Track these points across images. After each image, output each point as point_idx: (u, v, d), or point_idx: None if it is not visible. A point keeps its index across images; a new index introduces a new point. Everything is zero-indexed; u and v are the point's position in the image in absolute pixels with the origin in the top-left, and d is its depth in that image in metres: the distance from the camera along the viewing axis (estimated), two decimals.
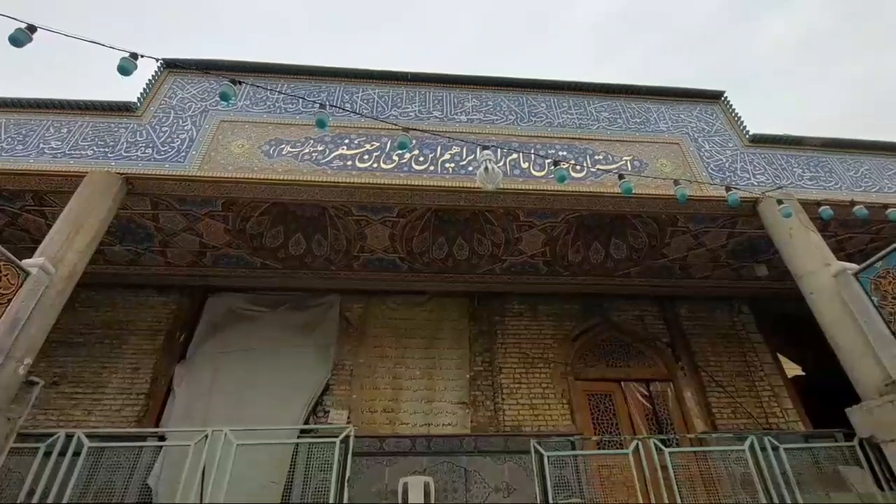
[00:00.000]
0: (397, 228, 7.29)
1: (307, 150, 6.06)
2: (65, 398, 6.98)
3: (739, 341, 8.67)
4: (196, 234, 7.13)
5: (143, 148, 5.93)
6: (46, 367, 6.99)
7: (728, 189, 5.50)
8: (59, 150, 5.88)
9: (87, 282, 6.92)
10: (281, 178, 5.77)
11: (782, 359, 9.03)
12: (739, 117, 7.42)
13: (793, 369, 10.29)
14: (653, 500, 5.14)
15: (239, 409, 6.41)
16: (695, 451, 5.98)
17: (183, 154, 5.88)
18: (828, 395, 7.15)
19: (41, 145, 5.88)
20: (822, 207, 5.61)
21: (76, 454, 4.51)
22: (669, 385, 7.99)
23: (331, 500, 4.43)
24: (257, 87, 6.25)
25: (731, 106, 7.57)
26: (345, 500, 4.51)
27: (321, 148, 6.10)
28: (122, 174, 5.64)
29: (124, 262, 7.62)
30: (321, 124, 4.02)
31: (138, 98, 6.38)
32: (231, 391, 6.73)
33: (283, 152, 6.01)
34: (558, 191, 6.08)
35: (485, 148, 4.50)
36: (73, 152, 5.86)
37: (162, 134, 6.11)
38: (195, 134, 6.11)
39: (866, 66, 44.63)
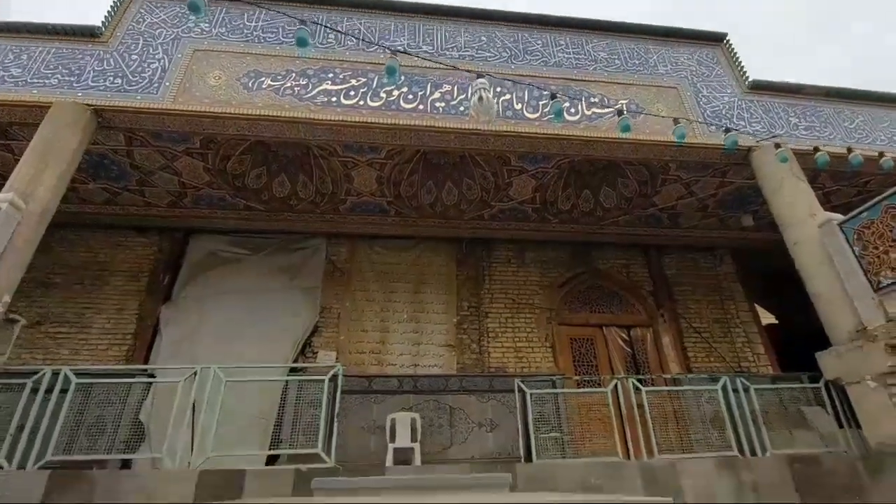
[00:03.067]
0: (385, 171, 7.09)
1: (289, 84, 5.72)
2: (49, 338, 6.93)
3: (720, 290, 8.90)
4: (174, 172, 6.84)
5: (111, 77, 5.53)
6: (27, 306, 6.88)
7: (727, 131, 5.39)
8: (20, 77, 5.46)
9: (63, 221, 6.71)
10: (261, 113, 5.48)
11: (758, 308, 9.36)
12: (740, 62, 7.18)
13: (767, 318, 10.70)
14: (628, 435, 5.43)
15: (226, 349, 6.45)
16: (669, 391, 6.26)
17: (155, 85, 5.51)
18: (797, 343, 7.49)
19: (0, 73, 5.45)
20: (819, 153, 5.57)
21: (63, 391, 4.51)
22: (649, 331, 8.25)
23: (320, 435, 4.56)
24: (233, 9, 5.79)
25: (732, 50, 7.30)
26: (334, 435, 4.65)
27: (304, 82, 5.77)
28: (91, 105, 5.29)
29: (101, 202, 7.34)
30: (302, 43, 3.71)
31: (102, 22, 5.88)
32: (218, 332, 6.75)
33: (264, 85, 5.67)
34: (551, 134, 5.90)
35: (479, 76, 4.27)
36: (36, 81, 5.45)
37: (131, 63, 5.68)
38: (167, 63, 5.70)
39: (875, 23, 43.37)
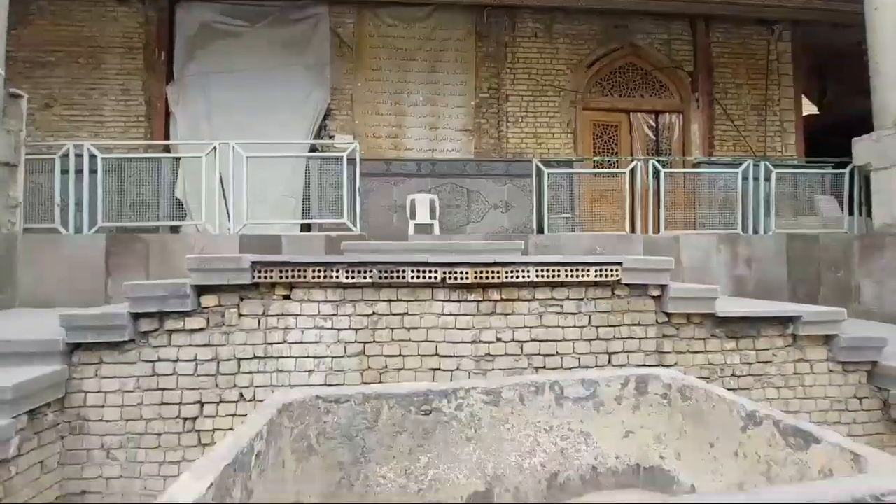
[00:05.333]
0: None
1: None
2: (64, 121, 6.90)
3: (766, 72, 8.03)
4: None
5: None
6: (32, 88, 6.62)
7: None
8: None
9: None
10: None
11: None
12: None
13: (807, 108, 9.99)
14: (638, 216, 5.65)
15: (241, 132, 6.37)
16: (688, 173, 6.25)
17: None
18: (829, 135, 7.15)
19: None
20: None
21: (93, 171, 4.67)
22: (679, 117, 7.82)
23: (345, 208, 4.83)
24: None
25: None
26: (357, 207, 4.92)
27: None
28: None
29: None
30: None
31: None
32: (229, 115, 6.58)
33: None
34: None
35: None
36: None
37: None
38: None
39: None
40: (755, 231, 5.44)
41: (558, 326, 2.87)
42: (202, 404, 2.61)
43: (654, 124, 7.76)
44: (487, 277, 2.74)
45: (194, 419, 2.60)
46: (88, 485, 2.54)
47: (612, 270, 2.87)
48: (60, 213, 4.47)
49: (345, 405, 1.92)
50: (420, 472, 1.95)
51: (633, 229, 5.53)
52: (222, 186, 4.64)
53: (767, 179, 5.57)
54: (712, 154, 7.54)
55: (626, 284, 2.93)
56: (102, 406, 2.57)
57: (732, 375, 3.05)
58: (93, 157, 4.63)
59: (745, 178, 5.55)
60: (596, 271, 2.84)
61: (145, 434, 2.59)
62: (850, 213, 5.65)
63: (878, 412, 3.20)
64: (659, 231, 5.25)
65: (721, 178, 5.87)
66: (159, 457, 2.57)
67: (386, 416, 1.95)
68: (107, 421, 2.56)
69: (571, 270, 2.83)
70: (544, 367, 2.84)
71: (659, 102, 7.77)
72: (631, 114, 7.65)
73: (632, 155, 7.56)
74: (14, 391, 2.19)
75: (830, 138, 6.73)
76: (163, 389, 2.60)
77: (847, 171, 5.61)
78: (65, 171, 4.64)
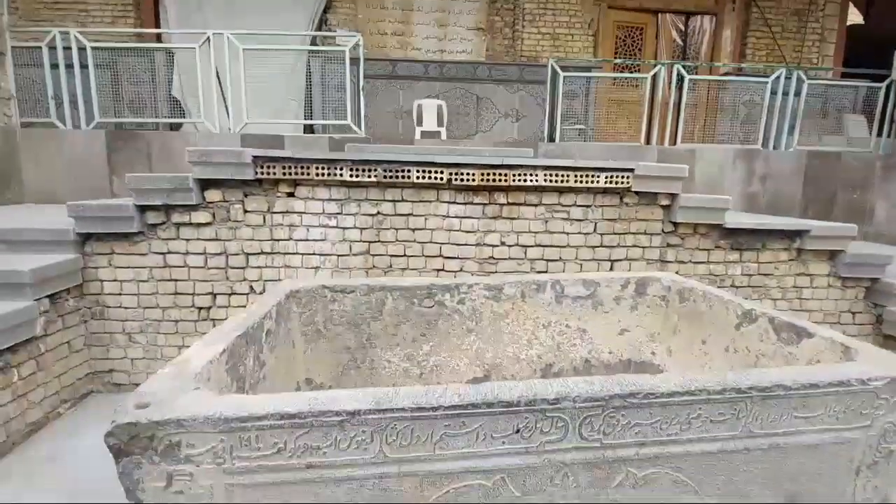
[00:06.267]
0: None
1: None
2: (48, 9, 6.42)
3: None
4: None
5: None
6: None
7: None
8: None
9: None
10: None
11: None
12: None
13: (853, 17, 9.08)
14: (655, 127, 5.40)
15: (235, 22, 5.92)
16: (716, 81, 5.87)
17: None
18: (872, 48, 6.57)
19: None
20: None
21: (84, 67, 4.43)
22: (711, 20, 7.16)
23: (348, 109, 4.63)
24: None
25: None
26: (361, 108, 4.72)
27: None
28: None
29: None
30: None
31: None
32: (221, 4, 6.09)
33: None
34: None
35: None
36: None
37: None
38: None
39: None
40: (775, 147, 5.22)
41: (563, 232, 2.87)
42: (214, 295, 2.71)
43: (682, 28, 7.14)
44: (494, 180, 2.69)
45: (208, 309, 2.72)
46: (114, 364, 2.73)
47: (623, 177, 2.79)
48: (56, 108, 4.32)
49: (350, 295, 1.98)
50: (422, 358, 2.06)
51: (647, 141, 5.33)
52: (220, 84, 4.42)
53: (797, 94, 5.23)
54: (742, 63, 7.02)
55: (636, 192, 2.87)
56: (119, 294, 2.68)
57: (732, 286, 3.10)
58: (82, 49, 4.37)
59: (773, 92, 5.21)
60: (606, 178, 2.77)
61: (163, 321, 2.73)
62: (879, 133, 5.37)
63: (870, 327, 3.29)
64: (675, 143, 5.05)
65: (747, 89, 5.52)
66: (178, 341, 2.73)
67: (390, 306, 2.02)
68: (126, 308, 2.69)
69: (581, 176, 2.75)
70: (546, 273, 2.89)
71: (691, 2, 7.08)
72: (659, 15, 7.00)
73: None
74: (32, 275, 2.27)
75: (872, 52, 6.21)
76: (176, 280, 2.68)
77: (884, 85, 5.24)
78: (55, 66, 4.41)
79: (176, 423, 0.90)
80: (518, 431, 1.01)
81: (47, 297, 2.40)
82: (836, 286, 3.24)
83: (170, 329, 2.72)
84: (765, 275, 3.14)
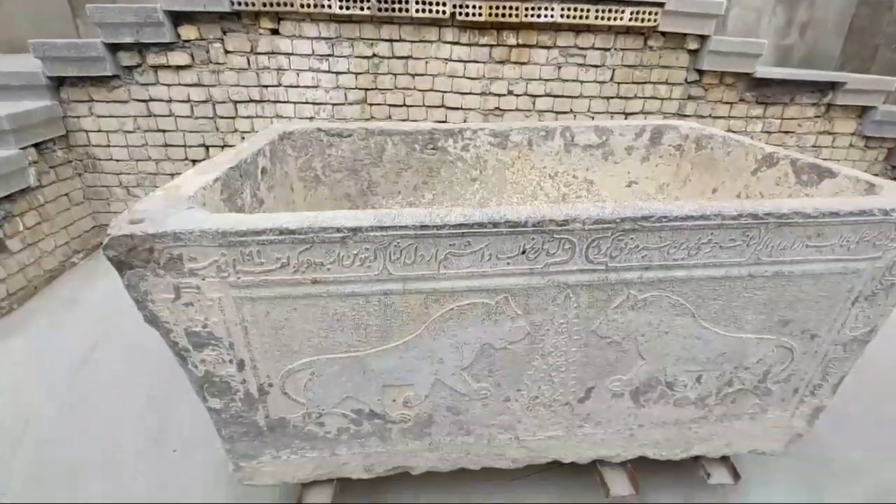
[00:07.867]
0: None
1: None
2: None
3: None
4: None
5: None
6: None
7: None
8: None
9: None
10: None
11: None
12: None
13: None
14: None
15: None
16: None
17: None
18: None
19: None
20: None
21: None
22: None
23: None
24: None
25: None
26: None
27: None
28: None
29: None
30: None
31: None
32: None
33: None
34: None
35: None
36: None
37: None
38: None
39: None
40: None
41: (577, 80, 2.63)
42: (207, 147, 2.60)
43: None
44: (504, 14, 2.37)
45: (202, 161, 2.62)
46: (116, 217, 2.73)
47: (650, 14, 2.46)
48: None
49: (348, 139, 1.87)
50: (425, 206, 2.03)
51: None
52: None
53: None
54: None
55: (662, 33, 2.57)
56: (108, 146, 2.56)
57: None
58: None
59: None
60: (631, 13, 2.44)
61: (159, 174, 2.66)
62: None
63: None
64: None
65: None
66: None
67: (390, 152, 1.92)
68: (117, 160, 2.59)
69: (602, 11, 2.43)
70: None
71: None
72: None
73: None
74: (10, 120, 2.13)
75: None
76: (164, 131, 2.55)
77: None
78: None
79: (173, 235, 0.87)
80: (524, 252, 0.99)
81: (33, 146, 2.30)
82: (857, 146, 3.09)
83: (165, 182, 2.66)
84: (785, 132, 2.97)
